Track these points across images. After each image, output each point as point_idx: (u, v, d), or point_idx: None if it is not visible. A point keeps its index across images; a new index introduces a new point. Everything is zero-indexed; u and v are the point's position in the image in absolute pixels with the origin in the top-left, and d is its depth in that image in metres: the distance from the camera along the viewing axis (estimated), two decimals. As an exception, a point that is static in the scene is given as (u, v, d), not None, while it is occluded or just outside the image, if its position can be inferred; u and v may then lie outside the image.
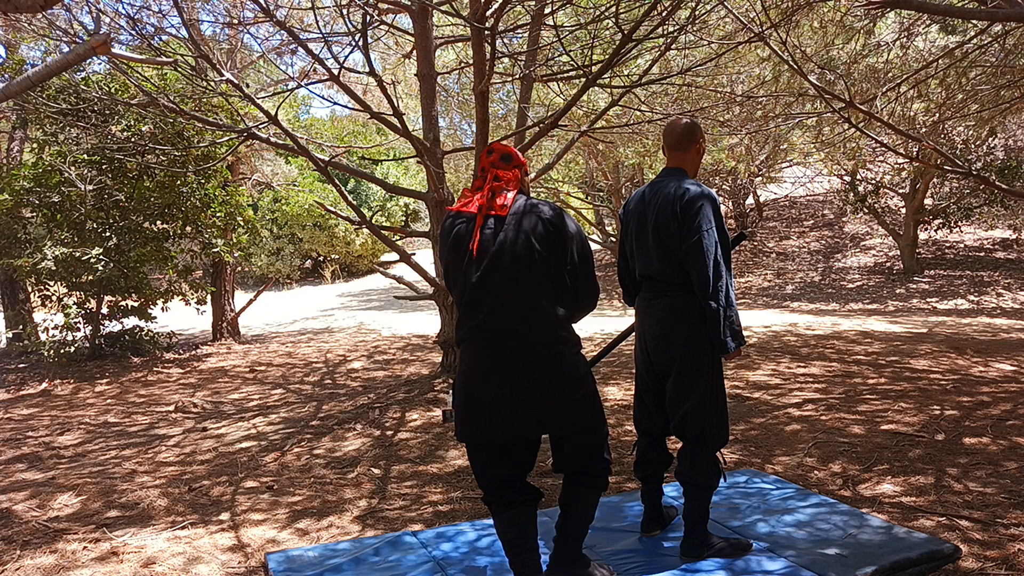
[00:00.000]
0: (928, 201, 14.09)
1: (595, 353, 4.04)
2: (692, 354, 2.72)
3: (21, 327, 9.43)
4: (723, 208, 6.93)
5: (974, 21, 5.82)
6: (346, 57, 5.51)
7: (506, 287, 2.40)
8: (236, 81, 4.99)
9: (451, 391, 2.63)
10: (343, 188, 6.12)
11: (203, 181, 8.97)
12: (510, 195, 2.49)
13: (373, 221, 5.84)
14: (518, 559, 2.48)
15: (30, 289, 9.81)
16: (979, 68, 6.45)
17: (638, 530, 3.06)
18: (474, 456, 2.53)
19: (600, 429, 2.55)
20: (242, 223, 9.63)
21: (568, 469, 2.57)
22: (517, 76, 6.94)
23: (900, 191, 14.14)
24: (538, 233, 2.42)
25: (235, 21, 8.01)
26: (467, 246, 2.45)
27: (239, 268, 14.97)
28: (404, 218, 19.66)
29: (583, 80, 4.83)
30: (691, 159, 2.85)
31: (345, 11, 5.01)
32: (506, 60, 7.10)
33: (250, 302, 11.55)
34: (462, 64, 8.32)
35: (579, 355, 2.50)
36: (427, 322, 11.49)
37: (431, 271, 6.21)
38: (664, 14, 4.28)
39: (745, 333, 2.77)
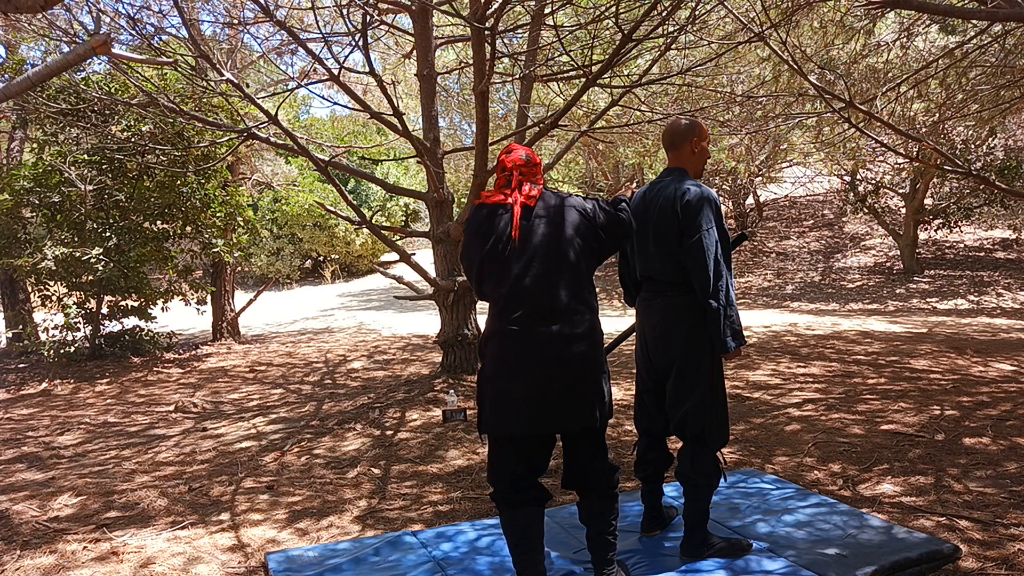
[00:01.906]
0: (928, 201, 14.09)
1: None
2: (692, 354, 2.72)
3: (21, 327, 9.43)
4: (723, 208, 6.92)
5: (974, 21, 5.82)
6: (346, 57, 5.51)
7: (551, 278, 2.41)
8: (236, 81, 4.99)
9: (478, 382, 2.57)
10: (343, 188, 6.11)
11: (203, 181, 8.97)
12: (537, 188, 2.53)
13: (373, 221, 5.84)
14: (521, 560, 2.48)
15: (30, 289, 9.81)
16: (979, 68, 6.45)
17: (638, 530, 3.06)
18: (500, 450, 2.50)
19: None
20: (242, 223, 9.63)
21: (581, 475, 2.55)
22: (517, 76, 6.94)
23: (900, 191, 14.14)
24: (576, 225, 2.47)
25: (235, 21, 8.01)
26: (507, 237, 2.44)
27: (239, 268, 14.96)
28: (404, 218, 19.65)
29: (583, 80, 4.82)
30: (688, 159, 2.84)
31: (345, 11, 5.01)
32: (506, 60, 7.10)
33: (250, 302, 11.55)
34: (462, 64, 8.32)
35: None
36: (427, 322, 11.48)
37: (431, 271, 6.20)
38: (664, 14, 4.28)
39: (745, 333, 2.76)
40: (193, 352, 9.80)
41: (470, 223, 2.56)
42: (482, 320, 4.04)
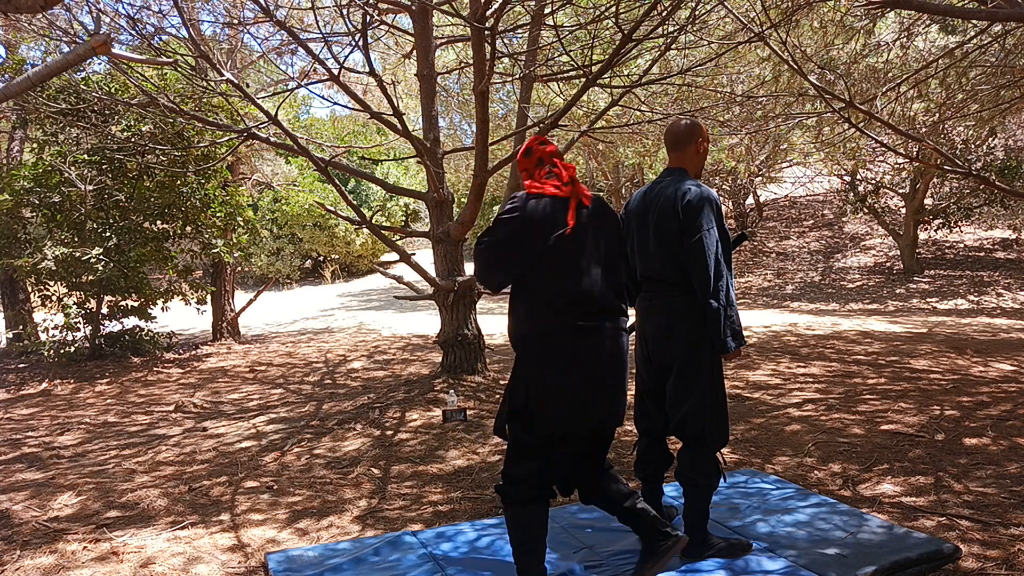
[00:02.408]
0: (928, 201, 14.09)
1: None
2: (692, 354, 2.72)
3: (21, 327, 9.43)
4: (723, 208, 6.91)
5: (974, 21, 5.82)
6: (346, 57, 5.51)
7: (605, 275, 2.49)
8: (236, 81, 4.99)
9: (526, 378, 2.49)
10: (343, 188, 6.11)
11: (203, 181, 8.97)
12: (586, 189, 2.60)
13: (373, 221, 5.84)
14: (523, 559, 2.48)
15: (30, 289, 9.82)
16: (979, 68, 6.45)
17: (638, 530, 3.06)
18: (548, 448, 2.45)
19: None
20: (242, 223, 9.63)
21: (595, 477, 2.58)
22: (517, 76, 6.94)
23: (900, 191, 14.14)
24: (615, 226, 2.62)
25: (235, 21, 8.01)
26: (565, 231, 2.42)
27: (239, 268, 14.96)
28: (404, 218, 19.66)
29: (583, 80, 4.83)
30: (690, 159, 2.85)
31: (345, 11, 5.01)
32: (506, 60, 7.10)
33: (250, 302, 11.55)
34: (462, 64, 8.31)
35: None
36: (427, 322, 11.48)
37: (431, 271, 6.20)
38: (664, 14, 4.28)
39: (745, 333, 2.78)
40: (193, 352, 9.80)
41: (524, 212, 2.43)
42: (482, 320, 4.03)
